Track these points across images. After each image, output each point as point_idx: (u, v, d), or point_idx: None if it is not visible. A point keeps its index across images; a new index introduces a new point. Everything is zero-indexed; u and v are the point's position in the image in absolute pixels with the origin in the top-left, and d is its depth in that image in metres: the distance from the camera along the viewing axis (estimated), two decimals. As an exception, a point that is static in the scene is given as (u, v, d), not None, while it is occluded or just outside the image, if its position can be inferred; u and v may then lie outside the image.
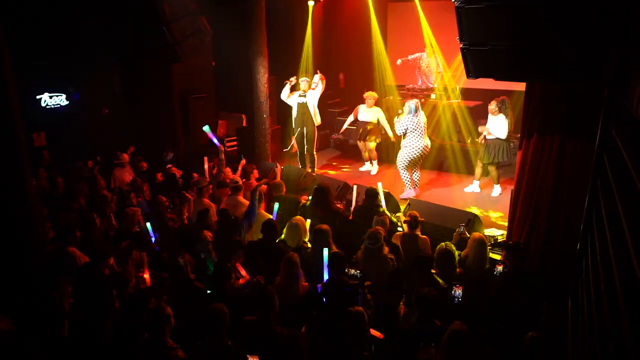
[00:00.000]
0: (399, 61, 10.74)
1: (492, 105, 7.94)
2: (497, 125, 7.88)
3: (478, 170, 8.47)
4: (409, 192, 8.17)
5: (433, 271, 4.54)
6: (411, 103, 7.85)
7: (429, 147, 8.16)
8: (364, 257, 4.79)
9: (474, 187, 8.55)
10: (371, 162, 9.82)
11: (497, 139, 7.92)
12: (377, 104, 9.59)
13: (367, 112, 9.42)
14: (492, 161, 8.05)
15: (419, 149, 7.92)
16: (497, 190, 8.34)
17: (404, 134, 7.92)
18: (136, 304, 3.93)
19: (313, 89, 9.06)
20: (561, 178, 5.38)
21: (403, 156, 8.01)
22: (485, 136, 8.05)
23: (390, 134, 9.12)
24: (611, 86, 3.23)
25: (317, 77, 9.14)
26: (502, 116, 7.86)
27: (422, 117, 7.90)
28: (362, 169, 10.00)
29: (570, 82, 5.06)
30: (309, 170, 9.23)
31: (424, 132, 7.93)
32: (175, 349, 3.44)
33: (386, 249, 4.85)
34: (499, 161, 8.07)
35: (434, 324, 3.74)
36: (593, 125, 3.53)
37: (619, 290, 2.08)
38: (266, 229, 5.11)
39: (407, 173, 8.16)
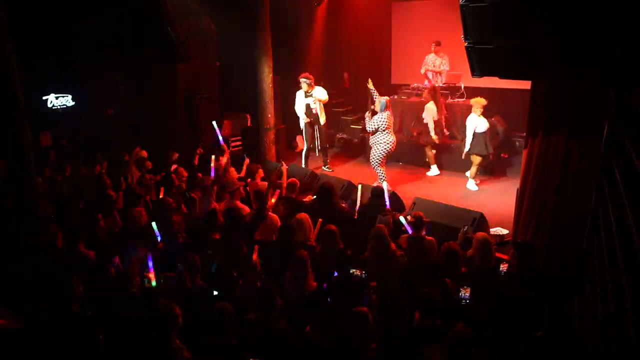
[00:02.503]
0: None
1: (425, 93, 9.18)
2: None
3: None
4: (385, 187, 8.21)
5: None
6: (383, 100, 8.00)
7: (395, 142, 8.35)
8: (372, 258, 4.77)
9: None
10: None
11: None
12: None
13: (482, 121, 8.43)
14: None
15: (390, 144, 8.10)
16: (434, 170, 9.41)
17: (374, 131, 8.05)
18: (141, 303, 3.93)
19: (309, 94, 9.19)
20: (567, 176, 5.35)
21: (378, 153, 8.13)
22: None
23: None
24: (618, 84, 3.21)
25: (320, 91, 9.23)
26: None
27: (390, 113, 8.15)
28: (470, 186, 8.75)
29: (576, 80, 5.03)
30: (322, 165, 9.45)
31: (392, 128, 8.18)
32: (181, 349, 3.44)
33: (393, 246, 4.83)
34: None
35: (436, 324, 3.73)
36: (599, 123, 3.51)
37: (626, 288, 2.07)
38: (282, 232, 5.13)
39: (382, 169, 8.27)
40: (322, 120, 9.42)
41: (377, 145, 8.10)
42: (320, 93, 9.27)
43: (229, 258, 4.75)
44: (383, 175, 8.27)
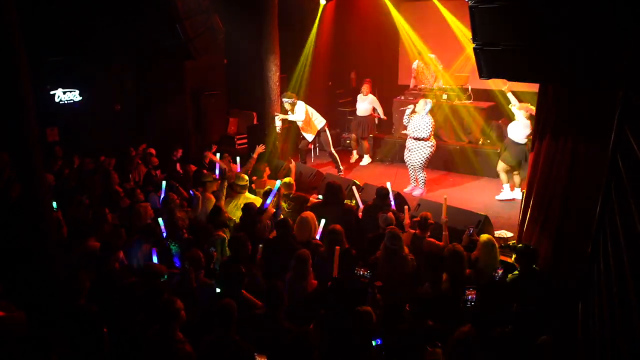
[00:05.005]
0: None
1: None
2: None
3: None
4: (423, 191, 8.20)
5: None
6: (429, 102, 7.97)
7: None
8: (384, 258, 4.76)
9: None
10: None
11: None
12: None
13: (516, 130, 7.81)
14: None
15: (434, 147, 8.09)
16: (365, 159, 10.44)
17: (428, 137, 8.00)
18: (147, 297, 3.94)
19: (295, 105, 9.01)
20: (573, 179, 5.33)
21: (423, 156, 8.06)
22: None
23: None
24: (627, 86, 3.20)
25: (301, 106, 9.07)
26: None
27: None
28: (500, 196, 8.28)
29: (584, 83, 5.00)
30: (336, 170, 9.34)
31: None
32: (183, 342, 3.45)
33: (406, 250, 4.82)
34: None
35: (427, 324, 3.73)
36: (606, 126, 3.49)
37: (632, 291, 2.06)
38: (280, 226, 5.13)
39: (424, 172, 8.17)
40: (309, 138, 9.30)
41: (423, 149, 8.02)
42: (296, 115, 9.00)
43: (235, 256, 4.75)
44: (424, 179, 8.26)
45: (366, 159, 10.47)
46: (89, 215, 5.75)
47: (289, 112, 9.06)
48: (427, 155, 8.05)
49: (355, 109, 10.55)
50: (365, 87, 10.17)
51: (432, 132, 8.04)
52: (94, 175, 7.22)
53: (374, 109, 10.34)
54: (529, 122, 7.56)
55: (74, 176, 7.30)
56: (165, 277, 4.54)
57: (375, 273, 4.57)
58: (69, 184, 6.90)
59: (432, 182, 9.09)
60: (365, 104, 10.17)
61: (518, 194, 7.87)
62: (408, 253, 4.81)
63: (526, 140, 7.66)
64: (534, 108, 7.44)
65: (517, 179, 8.05)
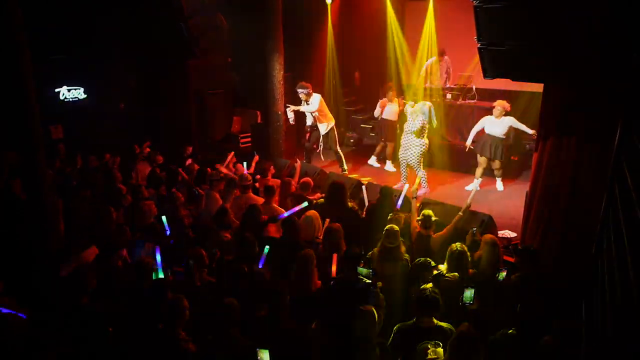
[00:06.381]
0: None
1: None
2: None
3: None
4: (426, 190, 8.19)
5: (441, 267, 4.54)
6: (427, 107, 8.00)
7: None
8: (380, 256, 4.77)
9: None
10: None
11: None
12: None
13: (497, 125, 8.21)
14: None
15: (426, 145, 8.12)
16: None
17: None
18: (149, 295, 3.95)
19: (308, 103, 8.97)
20: (577, 180, 5.32)
21: (419, 154, 8.05)
22: None
23: (530, 131, 8.03)
24: (632, 88, 3.19)
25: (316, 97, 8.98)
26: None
27: None
28: (468, 187, 8.54)
29: (589, 84, 4.99)
30: (340, 168, 9.30)
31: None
32: (187, 341, 3.46)
33: (403, 249, 4.83)
34: None
35: (430, 323, 3.73)
36: (611, 128, 3.49)
37: (635, 292, 2.05)
38: (286, 226, 5.13)
39: (423, 171, 8.17)
40: (322, 129, 9.17)
41: (415, 147, 8.03)
42: (311, 106, 8.93)
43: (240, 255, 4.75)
44: (424, 177, 8.25)
45: (389, 165, 9.99)
46: (91, 210, 5.76)
47: (304, 103, 9.01)
48: (420, 153, 8.05)
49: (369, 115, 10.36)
50: (392, 93, 9.79)
51: (425, 131, 8.04)
52: (97, 173, 7.24)
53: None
54: (503, 118, 8.08)
55: (75, 175, 7.31)
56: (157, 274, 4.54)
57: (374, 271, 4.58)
58: (70, 182, 6.91)
59: (435, 181, 9.07)
60: (395, 107, 9.79)
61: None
62: (404, 252, 4.82)
63: (503, 136, 8.19)
64: (505, 103, 8.11)
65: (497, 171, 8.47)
